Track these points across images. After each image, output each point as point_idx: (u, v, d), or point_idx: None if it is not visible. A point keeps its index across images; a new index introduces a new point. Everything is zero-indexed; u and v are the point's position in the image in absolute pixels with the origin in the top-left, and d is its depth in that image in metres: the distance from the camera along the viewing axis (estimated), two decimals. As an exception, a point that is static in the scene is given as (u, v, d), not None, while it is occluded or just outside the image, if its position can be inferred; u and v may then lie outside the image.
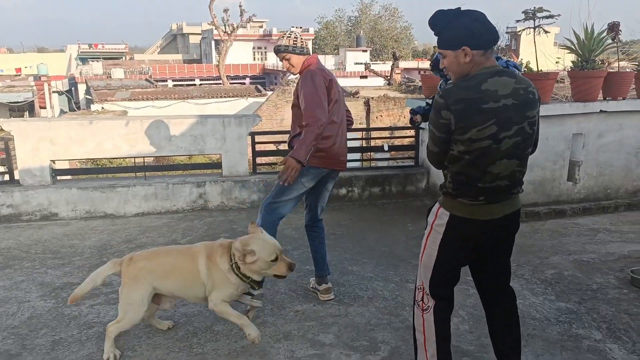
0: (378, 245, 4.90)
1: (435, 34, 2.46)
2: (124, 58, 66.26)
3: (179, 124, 5.77)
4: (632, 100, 5.57)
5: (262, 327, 3.39)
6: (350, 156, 6.96)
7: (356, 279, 4.14)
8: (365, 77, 45.70)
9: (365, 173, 6.37)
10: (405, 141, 6.89)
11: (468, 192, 2.40)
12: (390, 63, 45.11)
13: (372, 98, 27.12)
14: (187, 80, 50.30)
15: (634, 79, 5.54)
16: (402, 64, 46.63)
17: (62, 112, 34.26)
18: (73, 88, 42.13)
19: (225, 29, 42.23)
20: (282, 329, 3.39)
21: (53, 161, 5.62)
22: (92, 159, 5.91)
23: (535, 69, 5.34)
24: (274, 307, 3.70)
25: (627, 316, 3.50)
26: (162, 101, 30.87)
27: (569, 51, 5.34)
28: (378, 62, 55.21)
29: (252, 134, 6.07)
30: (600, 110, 5.40)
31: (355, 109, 26.73)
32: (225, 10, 39.47)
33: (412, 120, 4.20)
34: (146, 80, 45.63)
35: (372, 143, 8.45)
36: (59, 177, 5.79)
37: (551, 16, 5.17)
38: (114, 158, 5.89)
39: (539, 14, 5.21)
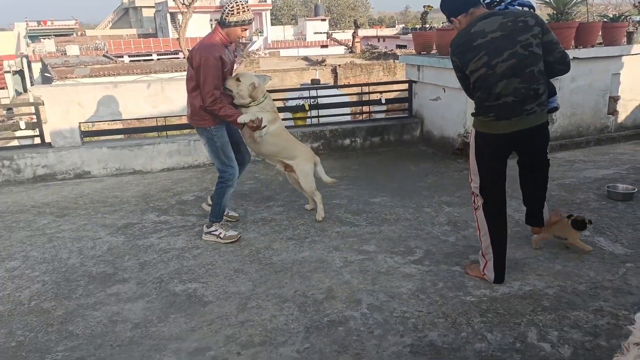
0: (389, 183, 5.57)
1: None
2: (74, 34, 64.07)
3: (196, 84, 6.22)
4: (600, 48, 6.36)
5: (314, 245, 4.03)
6: (345, 110, 7.59)
7: (379, 207, 4.80)
8: (326, 46, 46.00)
9: (365, 124, 7.00)
10: (398, 95, 7.54)
11: (481, 111, 3.11)
12: (350, 32, 45.57)
13: (339, 65, 27.67)
14: (143, 55, 49.18)
15: (601, 29, 6.32)
16: (361, 32, 47.03)
17: (17, 93, 33.25)
18: (26, 67, 40.66)
19: (184, 0, 41.44)
20: (331, 244, 4.03)
21: (80, 123, 6.01)
22: (118, 120, 6.30)
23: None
24: (317, 230, 4.33)
25: (607, 219, 4.30)
26: (123, 77, 30.39)
27: (545, 5, 6.06)
28: (337, 30, 55.41)
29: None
30: (573, 57, 6.14)
31: (323, 76, 27.19)
32: (181, -19, 38.67)
33: None
34: (104, 56, 44.51)
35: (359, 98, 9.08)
36: (85, 139, 6.19)
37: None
38: (138, 119, 6.30)
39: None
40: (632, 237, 3.92)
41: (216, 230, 4.15)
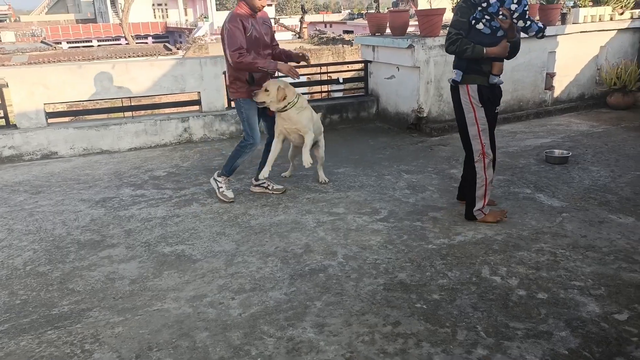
0: (351, 155, 5.95)
1: None
2: (8, 20, 61.07)
3: (161, 65, 6.38)
4: (537, 29, 6.95)
5: (287, 210, 4.37)
6: (303, 90, 7.90)
7: (344, 176, 5.18)
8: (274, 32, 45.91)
9: (325, 103, 7.34)
10: (353, 75, 7.93)
11: None
12: (297, 17, 45.63)
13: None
14: (83, 41, 47.64)
15: (539, 10, 6.91)
16: (308, 18, 47.20)
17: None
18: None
19: (126, -17, 40.23)
20: (303, 208, 4.38)
21: (46, 104, 6.06)
22: (84, 101, 6.36)
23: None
24: (289, 198, 4.66)
25: (546, 179, 4.86)
26: (65, 64, 29.41)
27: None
28: (283, 16, 55.33)
29: (225, 73, 6.79)
30: (514, 37, 6.70)
31: (274, 61, 27.28)
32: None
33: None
34: (42, 42, 42.72)
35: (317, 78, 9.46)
36: (50, 120, 6.24)
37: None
38: (104, 99, 6.39)
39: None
40: (567, 193, 4.48)
41: (221, 183, 4.59)
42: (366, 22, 7.39)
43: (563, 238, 3.66)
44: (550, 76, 7.25)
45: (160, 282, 3.25)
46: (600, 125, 6.75)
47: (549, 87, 7.32)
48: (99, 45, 43.87)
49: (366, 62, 7.45)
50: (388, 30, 7.15)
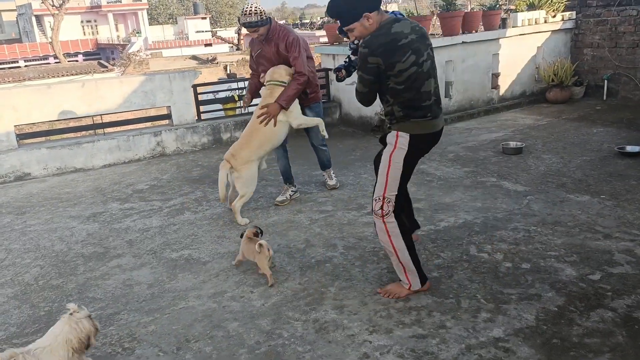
0: (323, 159, 6.26)
1: (337, 19, 3.07)
2: None
3: (130, 82, 6.46)
4: (481, 33, 7.56)
5: (279, 211, 4.63)
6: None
7: (323, 178, 5.48)
8: (210, 44, 45.73)
9: (290, 111, 7.62)
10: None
11: (417, 112, 2.93)
12: (232, 29, 45.67)
13: (233, 63, 27.94)
14: (8, 62, 45.56)
15: (482, 16, 7.53)
16: (244, 29, 47.21)
17: None
18: None
19: (53, 2, 38.95)
20: (293, 209, 4.65)
21: (16, 126, 6.01)
22: (54, 120, 6.33)
23: (415, 14, 7.03)
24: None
25: (506, 168, 5.36)
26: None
27: (436, -2, 7.13)
28: (218, 28, 55.17)
29: (194, 87, 6.96)
30: (462, 42, 7.28)
31: (216, 74, 27.31)
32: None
33: (337, 77, 3.86)
34: (-36, 65, 40.57)
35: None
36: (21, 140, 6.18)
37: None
38: (74, 118, 6.39)
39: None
40: (527, 179, 4.99)
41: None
42: (303, 31, 7.77)
43: (532, 217, 4.13)
44: (496, 76, 7.88)
45: (177, 284, 3.43)
46: (544, 119, 7.41)
47: (495, 86, 7.95)
48: (26, 66, 42.10)
49: (326, 70, 7.80)
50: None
